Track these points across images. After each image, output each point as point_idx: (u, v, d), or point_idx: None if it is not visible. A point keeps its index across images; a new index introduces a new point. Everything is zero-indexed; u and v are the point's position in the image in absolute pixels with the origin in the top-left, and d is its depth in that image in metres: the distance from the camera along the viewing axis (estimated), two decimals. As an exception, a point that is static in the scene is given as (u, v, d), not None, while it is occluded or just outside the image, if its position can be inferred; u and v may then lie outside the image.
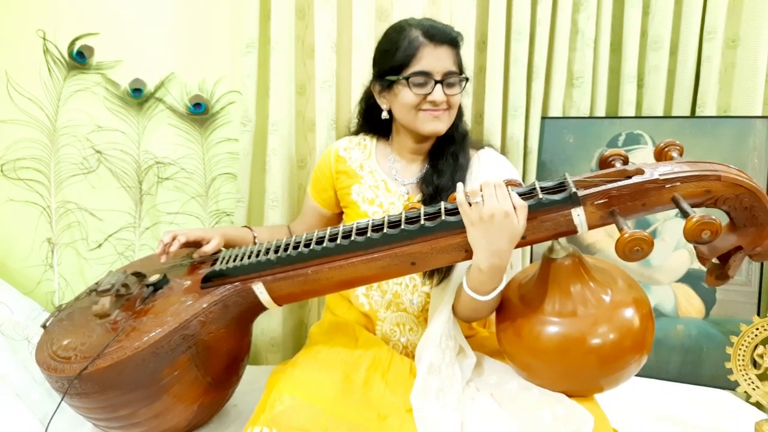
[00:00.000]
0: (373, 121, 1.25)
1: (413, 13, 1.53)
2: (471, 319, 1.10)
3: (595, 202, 0.90)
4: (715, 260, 0.99)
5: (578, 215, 0.91)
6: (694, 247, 0.98)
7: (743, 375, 1.21)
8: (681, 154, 0.97)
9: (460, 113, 1.22)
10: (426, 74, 1.10)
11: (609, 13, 1.59)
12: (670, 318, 1.50)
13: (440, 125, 1.14)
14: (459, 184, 0.98)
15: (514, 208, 0.90)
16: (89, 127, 1.58)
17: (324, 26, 1.51)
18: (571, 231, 0.93)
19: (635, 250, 0.84)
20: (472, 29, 1.53)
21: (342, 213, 1.33)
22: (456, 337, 1.08)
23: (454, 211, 0.96)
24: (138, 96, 1.59)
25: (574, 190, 0.90)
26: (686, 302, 1.49)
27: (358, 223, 1.02)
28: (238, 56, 1.56)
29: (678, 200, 0.88)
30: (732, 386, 1.24)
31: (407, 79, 1.10)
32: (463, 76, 1.15)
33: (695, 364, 1.47)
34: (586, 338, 0.94)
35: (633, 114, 1.62)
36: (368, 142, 1.29)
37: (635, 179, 0.90)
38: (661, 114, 1.61)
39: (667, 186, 0.89)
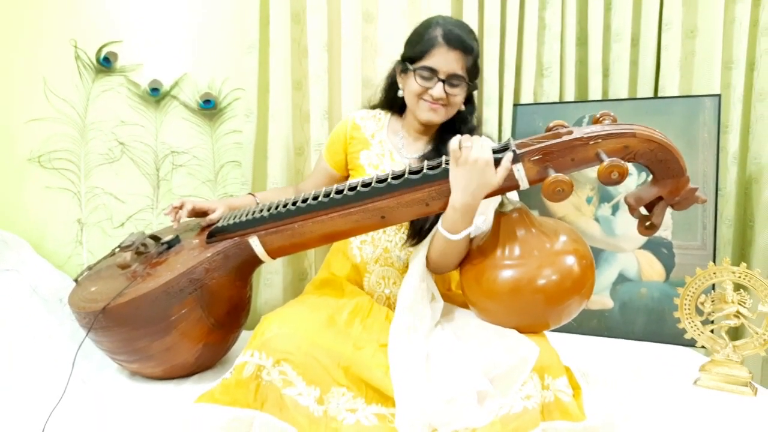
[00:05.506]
0: (392, 97, 1.37)
1: (396, 15, 1.69)
2: (438, 266, 1.18)
3: (532, 159, 1.04)
4: (643, 212, 1.14)
5: (518, 170, 1.05)
6: (626, 202, 1.12)
7: (689, 322, 1.33)
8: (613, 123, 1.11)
9: (472, 107, 1.35)
10: (432, 71, 1.22)
11: (574, 9, 1.74)
12: (635, 282, 1.62)
13: (435, 116, 1.28)
14: (456, 136, 1.07)
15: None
16: (114, 123, 1.74)
17: (315, 28, 1.67)
18: (514, 185, 1.07)
19: (557, 190, 0.98)
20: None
21: (348, 177, 1.45)
22: (428, 284, 1.20)
23: (416, 171, 1.11)
24: (156, 94, 1.75)
25: (513, 149, 1.05)
26: (648, 267, 1.60)
27: (337, 186, 1.16)
28: (242, 57, 1.72)
29: (600, 154, 1.01)
30: (692, 343, 1.34)
31: (416, 70, 1.25)
32: (467, 80, 1.25)
33: (658, 323, 1.57)
34: (533, 279, 1.06)
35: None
36: (383, 116, 1.42)
37: (564, 138, 1.04)
38: (625, 100, 1.74)
39: (590, 143, 1.02)
